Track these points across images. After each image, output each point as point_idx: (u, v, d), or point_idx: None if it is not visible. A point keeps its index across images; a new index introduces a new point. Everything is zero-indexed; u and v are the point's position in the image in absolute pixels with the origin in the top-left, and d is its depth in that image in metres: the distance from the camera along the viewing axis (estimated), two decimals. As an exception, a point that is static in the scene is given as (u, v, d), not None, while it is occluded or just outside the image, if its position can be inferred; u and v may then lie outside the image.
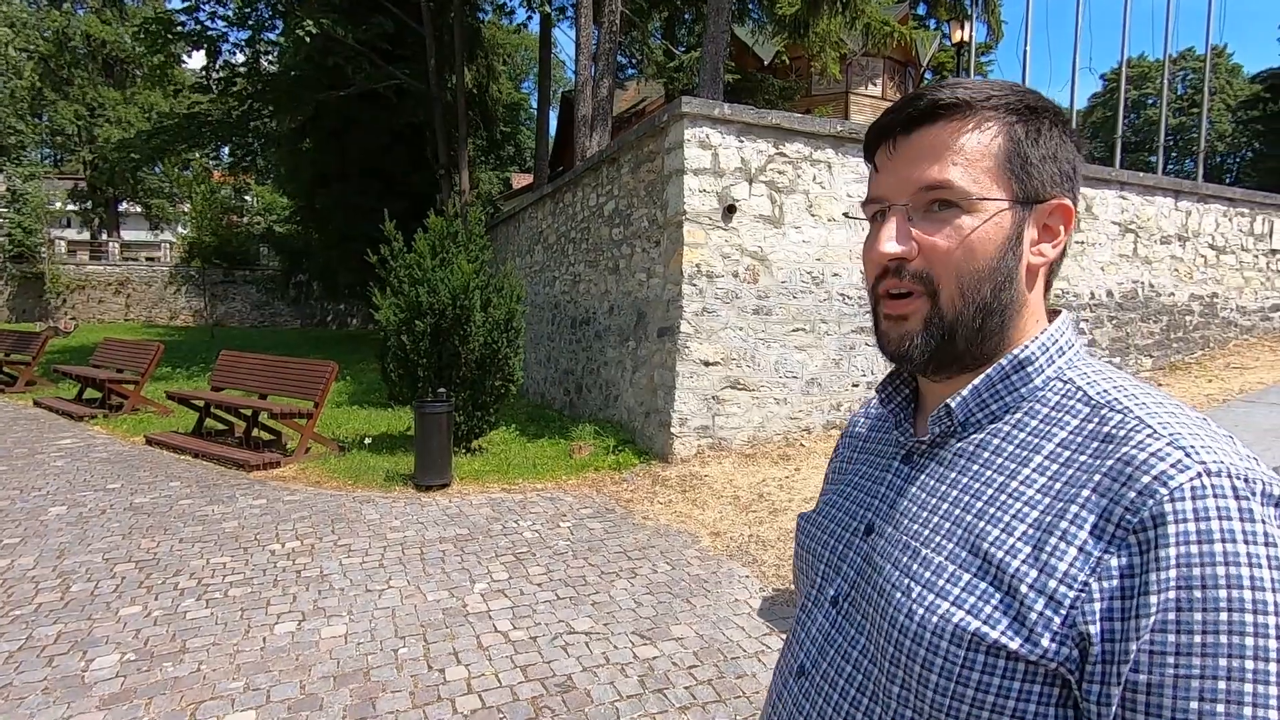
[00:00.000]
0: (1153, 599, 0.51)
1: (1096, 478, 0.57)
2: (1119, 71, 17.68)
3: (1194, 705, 0.49)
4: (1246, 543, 0.51)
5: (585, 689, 2.84)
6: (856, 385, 6.59)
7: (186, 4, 14.17)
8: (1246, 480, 0.53)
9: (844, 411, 6.51)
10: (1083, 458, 0.59)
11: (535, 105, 22.96)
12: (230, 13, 14.57)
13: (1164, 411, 0.59)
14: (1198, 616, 0.50)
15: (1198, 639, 0.50)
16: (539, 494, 5.51)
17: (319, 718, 2.63)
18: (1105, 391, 0.63)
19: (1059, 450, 0.61)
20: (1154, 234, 8.58)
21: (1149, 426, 0.57)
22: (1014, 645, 0.55)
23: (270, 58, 16.21)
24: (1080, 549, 0.55)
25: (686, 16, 18.30)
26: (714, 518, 4.88)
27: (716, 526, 4.73)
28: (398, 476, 5.84)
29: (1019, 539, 0.58)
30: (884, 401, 0.79)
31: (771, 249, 6.24)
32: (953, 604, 0.59)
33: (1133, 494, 0.54)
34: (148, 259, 28.84)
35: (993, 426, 0.67)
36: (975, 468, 0.66)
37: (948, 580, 0.61)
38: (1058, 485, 0.59)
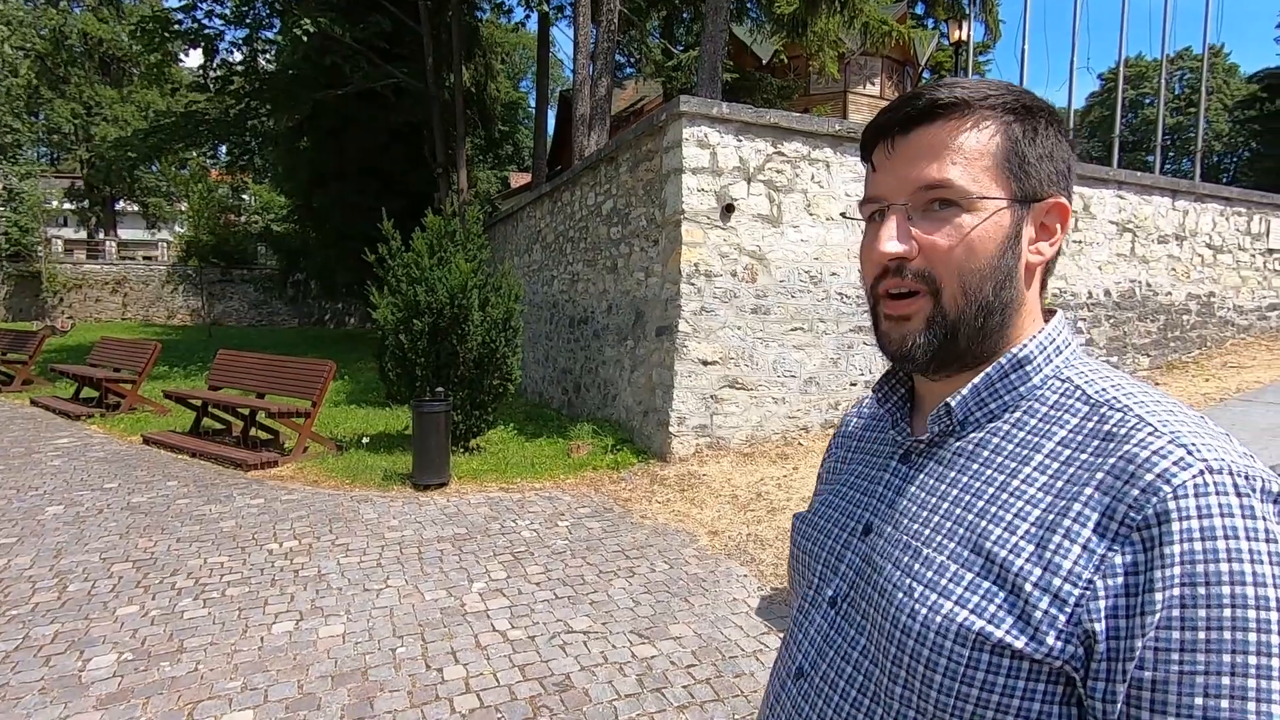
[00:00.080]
0: (1158, 596, 0.52)
1: (1099, 476, 0.57)
2: (1116, 71, 17.71)
3: (1198, 701, 0.50)
4: (1248, 539, 0.51)
5: (583, 688, 2.84)
6: (854, 384, 6.60)
7: (183, 2, 14.12)
8: (1247, 477, 0.54)
9: (842, 410, 6.51)
10: (1084, 456, 0.60)
11: (533, 104, 22.96)
12: (228, 11, 14.53)
13: (1163, 410, 0.60)
14: (1202, 613, 0.50)
15: (1202, 635, 0.50)
16: (537, 493, 5.51)
17: (317, 717, 2.63)
18: (1104, 390, 0.64)
19: (1059, 449, 0.62)
20: (1151, 233, 8.60)
21: (1150, 425, 0.58)
22: (1019, 644, 0.56)
23: (268, 56, 16.17)
24: (1084, 547, 0.55)
25: (685, 15, 18.30)
26: (712, 517, 4.89)
27: (715, 525, 4.73)
28: (395, 476, 5.83)
29: (1022, 537, 0.59)
30: (881, 401, 0.78)
31: (770, 248, 6.24)
32: (956, 603, 0.59)
33: (1136, 491, 0.54)
34: (145, 258, 28.79)
35: (992, 425, 0.67)
36: (975, 467, 0.66)
37: (950, 580, 0.61)
38: (1059, 483, 0.59)
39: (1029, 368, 0.67)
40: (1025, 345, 0.68)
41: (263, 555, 4.18)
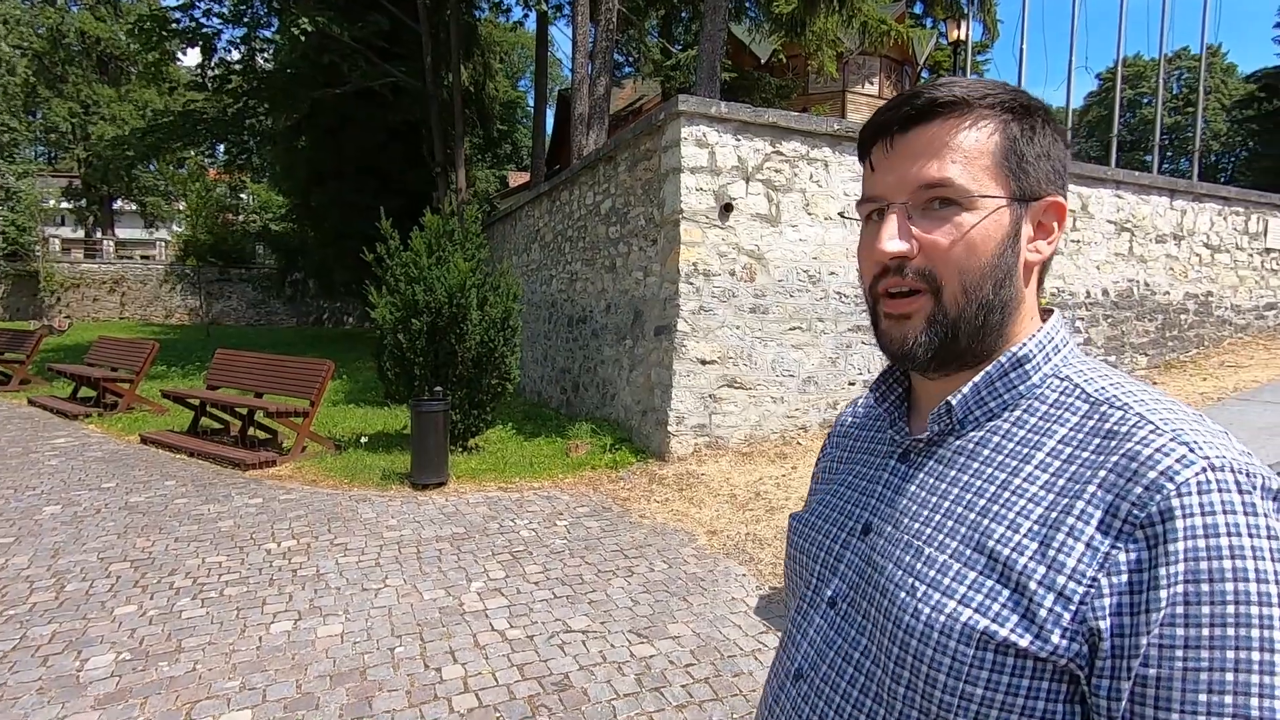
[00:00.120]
0: (1162, 593, 0.52)
1: (1101, 473, 0.57)
2: (1115, 70, 17.72)
3: (1202, 697, 0.50)
4: (1251, 536, 0.52)
5: (582, 687, 2.84)
6: (853, 384, 6.60)
7: (181, 1, 14.10)
8: (1248, 474, 0.54)
9: (840, 410, 6.51)
10: (1085, 454, 0.60)
11: (532, 103, 22.94)
12: (225, 10, 14.50)
13: (1163, 408, 0.60)
14: (1205, 610, 0.51)
15: (1205, 632, 0.50)
16: (535, 493, 5.51)
17: (315, 717, 2.63)
18: (1103, 389, 0.64)
19: (1060, 447, 0.62)
20: (1149, 233, 8.61)
21: (1151, 423, 0.58)
22: (1024, 642, 0.56)
23: (266, 55, 16.13)
24: (1088, 544, 0.55)
25: (683, 15, 18.30)
26: (711, 516, 4.89)
27: (713, 525, 4.74)
28: (394, 475, 5.83)
29: (1025, 535, 0.59)
30: (879, 400, 0.78)
31: (768, 247, 6.24)
32: (960, 602, 0.59)
33: (1139, 489, 0.55)
34: (143, 257, 28.79)
35: (992, 424, 0.67)
36: (976, 465, 0.66)
37: (953, 579, 0.61)
38: (1061, 481, 0.59)
39: (1028, 366, 0.67)
40: (1025, 344, 0.68)
41: (261, 555, 4.17)
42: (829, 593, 0.73)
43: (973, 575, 0.60)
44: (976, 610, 0.58)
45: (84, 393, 9.28)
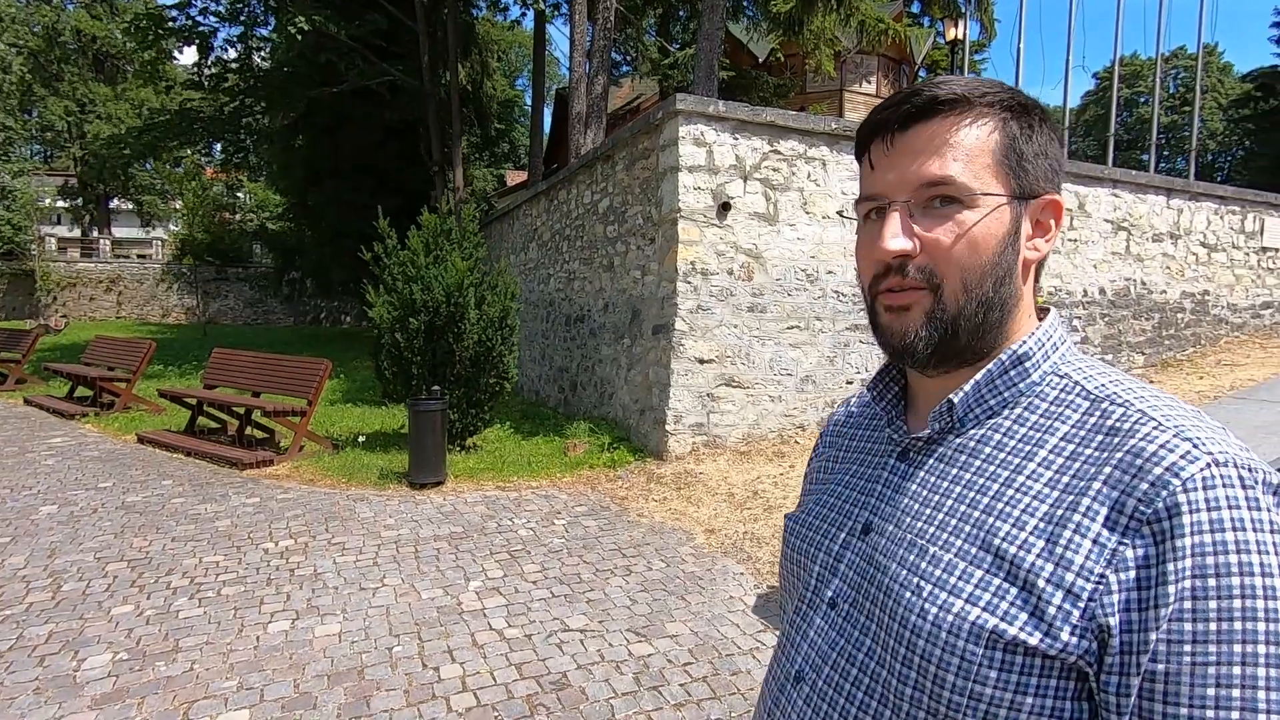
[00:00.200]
0: (1170, 589, 0.52)
1: (1106, 470, 0.57)
2: (1112, 70, 17.75)
3: (1210, 692, 0.50)
4: (1255, 530, 0.52)
5: (580, 686, 2.84)
6: (851, 382, 6.61)
7: (177, -1, 14.07)
8: (1250, 470, 0.54)
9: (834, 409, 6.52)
10: (1088, 451, 0.60)
11: (530, 102, 22.88)
12: (222, 8, 14.47)
13: (1163, 404, 0.60)
14: (1212, 604, 0.51)
15: (1213, 626, 0.51)
16: (534, 492, 5.50)
17: (313, 716, 2.63)
18: (1103, 386, 0.64)
19: (1063, 444, 0.62)
20: (1146, 232, 8.63)
21: (1153, 419, 0.58)
22: (1033, 640, 0.56)
23: (262, 54, 16.09)
24: (1095, 541, 0.56)
25: (681, 13, 18.29)
26: (709, 515, 4.89)
27: (711, 524, 4.74)
28: (392, 474, 5.82)
29: (1031, 533, 0.59)
30: (876, 398, 0.78)
31: (766, 246, 6.24)
32: (967, 601, 0.59)
33: (1145, 485, 0.55)
34: (139, 256, 28.67)
35: (992, 422, 0.67)
36: (978, 463, 0.66)
37: (960, 578, 0.60)
38: (1065, 478, 0.60)
39: (1028, 364, 0.67)
40: (1025, 342, 0.68)
41: (258, 554, 4.17)
42: (829, 593, 0.72)
43: (979, 574, 0.60)
44: (984, 609, 0.58)
45: (80, 392, 9.25)
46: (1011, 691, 0.56)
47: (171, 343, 16.68)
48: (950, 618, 0.59)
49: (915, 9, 21.20)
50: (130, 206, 35.23)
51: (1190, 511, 0.53)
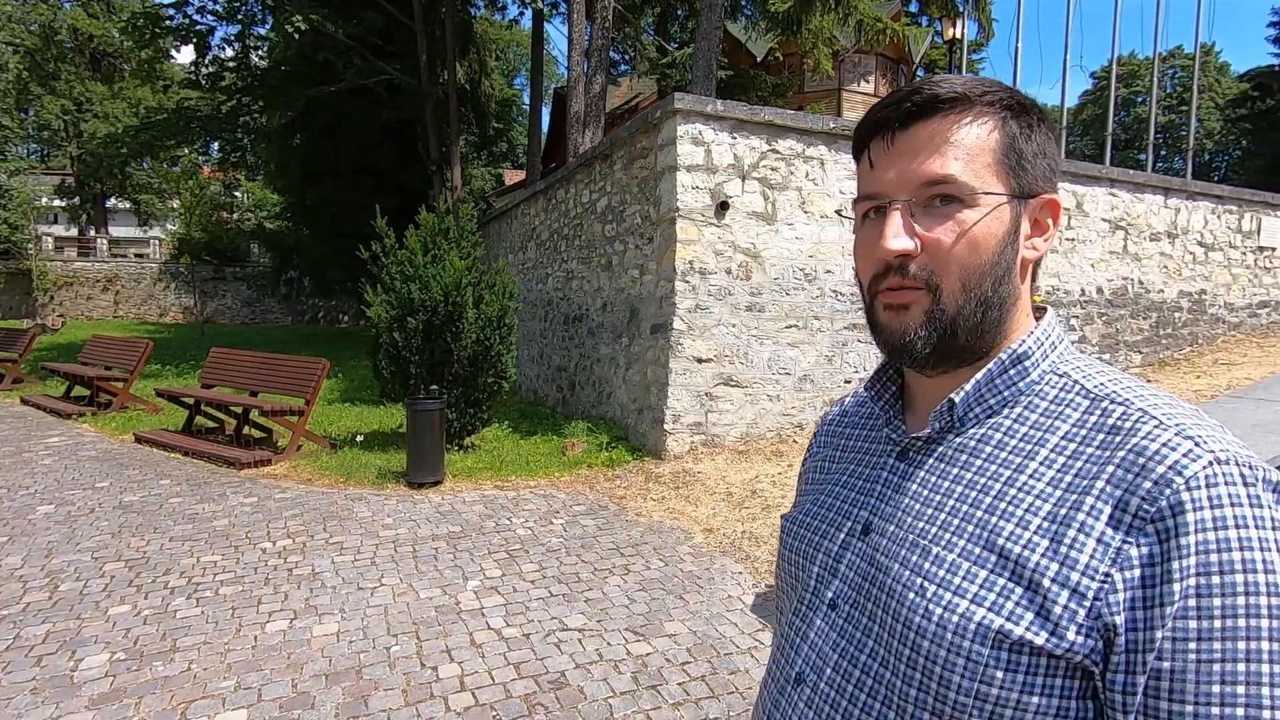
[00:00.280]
0: (1175, 587, 0.52)
1: (1109, 469, 0.58)
2: (1109, 69, 17.77)
3: (1215, 688, 0.51)
4: (1257, 528, 0.53)
5: (579, 686, 2.84)
6: (849, 381, 6.61)
7: (174, -2, 14.02)
8: (1251, 467, 0.55)
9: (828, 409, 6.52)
10: (1090, 449, 0.60)
11: (528, 101, 22.86)
12: (219, 7, 14.43)
13: (1162, 402, 0.61)
14: (1217, 602, 0.51)
15: (1217, 624, 0.51)
16: (532, 491, 5.50)
17: (311, 716, 2.62)
18: (1102, 385, 0.64)
19: (1064, 443, 0.62)
20: (1143, 231, 8.64)
21: (1154, 418, 0.58)
22: (1040, 640, 0.56)
23: (260, 53, 16.07)
24: (1099, 540, 0.56)
25: (679, 13, 18.28)
26: (707, 514, 4.89)
27: (709, 523, 4.74)
28: (390, 474, 5.82)
29: (1035, 533, 0.59)
30: (874, 398, 0.78)
31: (764, 246, 6.25)
32: (972, 601, 0.59)
33: (1148, 484, 0.55)
34: (137, 255, 28.61)
35: (992, 421, 0.67)
36: (979, 463, 0.66)
37: (964, 578, 0.60)
38: (1068, 477, 0.60)
39: (1028, 363, 0.67)
40: (1024, 341, 0.68)
41: (256, 554, 4.16)
42: (829, 594, 0.72)
43: (984, 574, 0.60)
44: (990, 609, 0.58)
45: (77, 392, 9.22)
46: (1018, 691, 0.56)
47: (169, 342, 16.65)
48: (955, 618, 0.59)
49: (913, 8, 21.19)
50: (127, 206, 35.15)
51: (1194, 509, 0.53)
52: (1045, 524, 0.58)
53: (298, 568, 3.97)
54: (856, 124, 0.71)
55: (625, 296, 6.95)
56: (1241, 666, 0.50)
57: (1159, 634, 0.52)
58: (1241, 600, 0.51)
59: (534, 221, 10.23)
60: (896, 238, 0.65)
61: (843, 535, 0.74)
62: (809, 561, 0.76)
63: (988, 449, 0.66)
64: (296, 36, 12.63)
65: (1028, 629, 0.56)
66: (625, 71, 21.45)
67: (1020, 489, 0.62)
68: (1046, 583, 0.56)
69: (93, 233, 30.81)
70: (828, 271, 6.51)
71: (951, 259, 0.64)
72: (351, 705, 2.69)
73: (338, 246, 15.71)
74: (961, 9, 15.45)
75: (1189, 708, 0.51)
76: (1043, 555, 0.57)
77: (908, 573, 0.64)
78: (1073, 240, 8.02)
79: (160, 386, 8.48)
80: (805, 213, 6.40)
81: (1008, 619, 0.57)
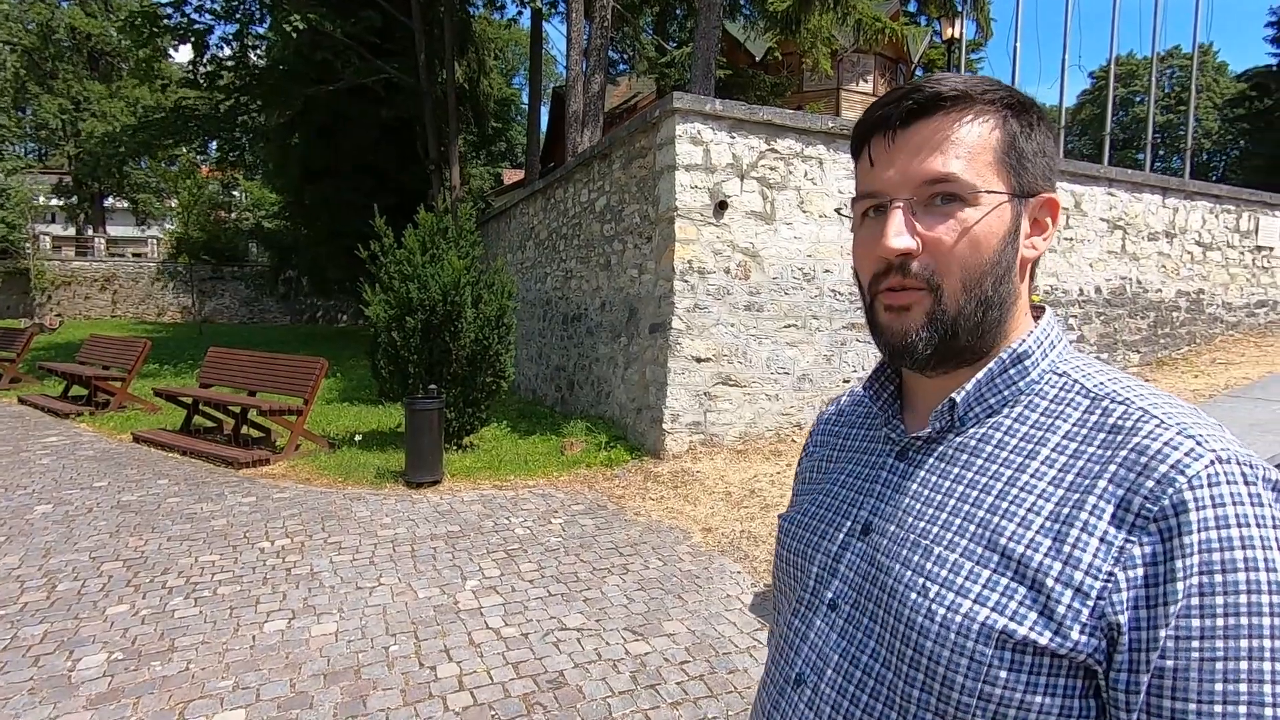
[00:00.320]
0: (1179, 585, 0.53)
1: (1111, 468, 0.58)
2: (1108, 69, 17.79)
3: (1218, 687, 0.51)
4: (1259, 526, 0.53)
5: (577, 685, 2.84)
6: (848, 381, 6.61)
7: (172, -3, 13.99)
8: (1251, 466, 0.55)
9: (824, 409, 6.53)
10: (1091, 449, 0.60)
11: (526, 101, 22.84)
12: (217, 6, 14.40)
13: (1162, 402, 0.61)
14: (1219, 600, 0.52)
15: (1220, 622, 0.51)
16: (530, 490, 5.50)
17: (309, 716, 2.62)
18: (1102, 384, 0.64)
19: (1065, 442, 0.62)
20: (1142, 231, 8.65)
21: (1155, 417, 0.59)
22: (1044, 640, 0.56)
23: (258, 52, 16.03)
24: (1102, 539, 0.56)
25: (678, 12, 18.27)
26: (706, 513, 4.89)
27: (708, 522, 4.74)
28: (388, 473, 5.81)
29: (1038, 532, 0.59)
30: (873, 398, 0.78)
31: (763, 245, 6.25)
32: (975, 601, 0.59)
33: (1151, 483, 0.55)
34: (134, 255, 28.54)
35: (992, 420, 0.67)
36: (980, 462, 0.65)
37: (966, 577, 0.60)
38: (1070, 476, 0.60)
39: (1027, 363, 0.67)
40: (1024, 340, 0.68)
41: (254, 554, 4.15)
42: (829, 595, 0.72)
43: (986, 573, 0.59)
44: (993, 608, 0.58)
45: (75, 391, 9.21)
46: (1022, 691, 0.56)
47: (167, 341, 16.63)
48: (959, 618, 0.59)
49: (912, 8, 21.19)
50: (125, 205, 35.10)
51: (1197, 508, 0.53)
52: (1048, 524, 0.58)
53: (296, 567, 3.96)
54: (856, 122, 0.71)
55: (624, 296, 6.95)
56: (1244, 665, 0.51)
57: (1162, 633, 0.52)
58: (1244, 599, 0.51)
59: (533, 221, 10.22)
60: (899, 236, 0.64)
61: (842, 535, 0.73)
62: (808, 561, 0.76)
63: (988, 449, 0.66)
64: (294, 35, 12.60)
65: (1032, 629, 0.56)
66: (624, 71, 21.43)
67: (1022, 489, 0.61)
68: (1050, 582, 0.56)
69: (90, 232, 30.78)
70: (826, 271, 6.51)
71: (953, 258, 0.64)
72: (350, 705, 2.68)
73: (336, 246, 15.69)
74: (960, 9, 15.45)
75: (1192, 706, 0.52)
76: (1046, 555, 0.57)
77: (909, 573, 0.64)
78: (1071, 240, 8.03)
79: (158, 386, 8.47)
80: (804, 212, 6.40)
81: (1011, 619, 0.57)
